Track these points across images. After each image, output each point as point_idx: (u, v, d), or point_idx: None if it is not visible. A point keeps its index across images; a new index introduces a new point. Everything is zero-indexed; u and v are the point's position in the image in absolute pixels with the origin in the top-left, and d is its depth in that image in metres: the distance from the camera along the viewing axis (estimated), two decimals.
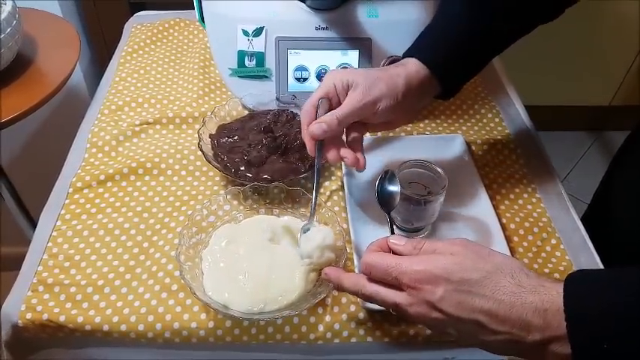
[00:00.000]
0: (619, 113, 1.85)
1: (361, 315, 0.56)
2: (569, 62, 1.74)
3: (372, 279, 0.47)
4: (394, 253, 0.48)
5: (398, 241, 0.48)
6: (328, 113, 0.57)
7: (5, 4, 0.82)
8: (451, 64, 0.59)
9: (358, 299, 0.56)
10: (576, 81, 1.79)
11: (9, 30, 0.79)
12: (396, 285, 0.45)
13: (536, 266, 0.61)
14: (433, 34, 0.61)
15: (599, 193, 0.81)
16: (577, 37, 1.67)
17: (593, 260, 0.62)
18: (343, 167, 0.70)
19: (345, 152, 0.59)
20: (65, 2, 1.12)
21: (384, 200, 0.58)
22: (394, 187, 0.58)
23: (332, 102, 0.59)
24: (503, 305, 0.41)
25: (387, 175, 0.59)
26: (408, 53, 0.60)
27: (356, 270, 0.58)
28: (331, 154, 0.59)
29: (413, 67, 0.58)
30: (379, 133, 0.76)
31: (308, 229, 0.58)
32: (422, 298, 0.43)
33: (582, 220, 0.67)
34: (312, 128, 0.57)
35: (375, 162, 0.71)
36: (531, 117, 0.81)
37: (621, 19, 1.61)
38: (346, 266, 0.59)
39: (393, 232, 0.53)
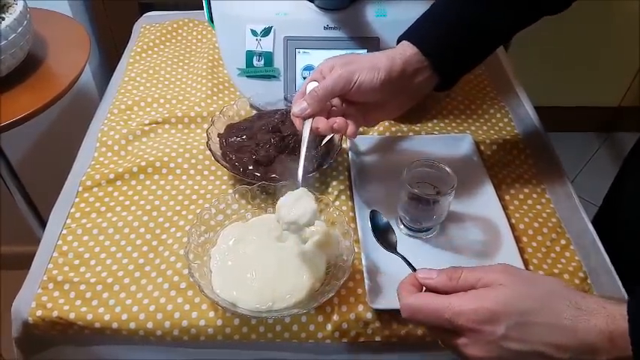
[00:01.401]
0: (628, 114, 1.84)
1: (369, 315, 0.56)
2: (578, 63, 1.73)
3: (419, 322, 0.45)
4: (428, 289, 0.45)
5: (428, 274, 0.45)
6: (309, 92, 0.58)
7: (16, 4, 0.82)
8: (445, 48, 0.58)
9: (366, 298, 0.56)
10: (585, 82, 1.78)
11: (20, 30, 0.80)
12: (448, 327, 0.42)
13: (545, 267, 0.61)
14: (427, 18, 0.60)
15: (610, 195, 0.80)
16: (586, 38, 1.66)
17: (603, 261, 0.62)
18: (351, 167, 0.70)
19: (334, 118, 0.58)
20: (75, 2, 1.13)
21: (386, 243, 0.57)
22: (383, 223, 0.58)
23: None
24: (567, 332, 0.39)
25: (373, 217, 0.59)
26: (400, 38, 0.60)
27: (364, 270, 0.58)
28: (320, 123, 0.58)
29: (400, 47, 0.58)
30: (387, 133, 0.75)
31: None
32: (482, 339, 0.41)
33: (593, 221, 0.66)
34: (294, 109, 0.58)
35: (384, 162, 0.71)
36: (540, 118, 0.81)
37: (630, 20, 1.59)
38: (354, 266, 0.58)
39: (413, 269, 0.50)
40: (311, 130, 0.58)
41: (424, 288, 0.45)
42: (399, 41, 0.60)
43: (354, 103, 0.59)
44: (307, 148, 0.58)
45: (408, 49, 0.58)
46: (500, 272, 0.43)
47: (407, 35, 0.59)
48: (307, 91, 0.58)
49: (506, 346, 0.40)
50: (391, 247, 0.56)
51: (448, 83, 0.61)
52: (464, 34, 0.58)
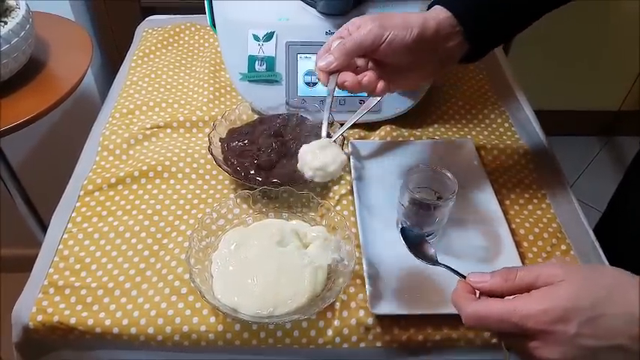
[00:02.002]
0: (629, 118, 1.84)
1: (370, 320, 0.56)
2: (578, 67, 1.73)
3: (486, 330, 0.43)
4: (483, 293, 0.44)
5: (481, 278, 0.44)
6: (336, 45, 0.55)
7: (19, 7, 0.83)
8: (479, 15, 0.56)
9: (367, 304, 0.56)
10: (586, 86, 1.78)
11: (22, 33, 0.80)
12: (517, 331, 0.40)
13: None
14: None
15: (613, 204, 0.80)
16: (586, 42, 1.66)
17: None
18: (352, 172, 0.70)
19: (363, 73, 0.55)
20: (77, 6, 1.13)
21: (425, 256, 0.53)
22: (416, 236, 0.54)
23: None
24: None
25: (404, 233, 0.54)
26: (432, 3, 0.58)
27: (365, 275, 0.58)
28: (347, 76, 0.55)
29: (433, 11, 0.56)
30: (388, 138, 0.76)
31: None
32: (554, 340, 0.39)
33: (595, 228, 0.66)
34: (319, 62, 0.55)
35: (385, 166, 0.72)
36: (540, 122, 0.81)
37: (630, 24, 1.60)
38: (355, 271, 0.58)
39: (462, 276, 0.47)
40: (336, 85, 0.56)
41: (478, 293, 0.44)
42: (430, 6, 0.57)
43: (379, 64, 0.56)
44: (332, 103, 0.56)
45: (440, 12, 0.55)
46: (558, 267, 0.41)
47: (439, 0, 0.57)
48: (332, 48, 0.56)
49: (581, 345, 0.38)
50: (431, 259, 0.53)
51: (478, 54, 0.59)
52: (498, 4, 0.56)
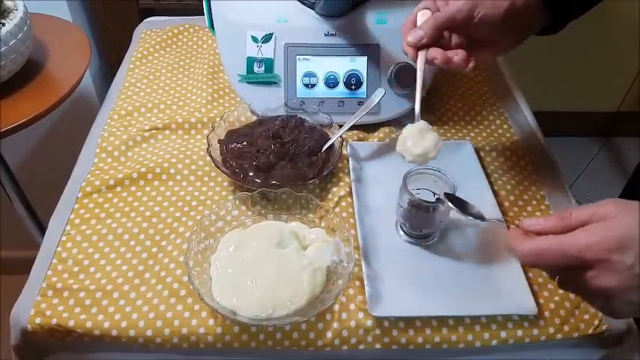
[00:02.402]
0: (627, 119, 1.85)
1: (369, 322, 0.56)
2: (576, 68, 1.73)
3: (542, 266, 0.44)
4: (537, 234, 0.44)
5: (535, 222, 0.44)
6: (427, 19, 0.55)
7: (17, 9, 0.82)
8: None
9: (366, 306, 0.56)
10: (584, 87, 1.78)
11: (20, 35, 0.80)
12: (575, 263, 0.41)
13: (544, 273, 0.60)
14: None
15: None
16: (584, 43, 1.66)
17: None
18: (351, 173, 0.70)
19: (454, 52, 0.55)
20: (75, 8, 1.13)
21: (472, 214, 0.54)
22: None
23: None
24: None
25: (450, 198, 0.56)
26: None
27: (365, 277, 0.58)
28: (437, 53, 0.55)
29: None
30: (387, 139, 0.76)
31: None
32: (612, 268, 0.39)
33: None
34: (409, 37, 0.55)
35: (384, 168, 0.72)
36: (539, 123, 0.81)
37: (628, 25, 1.60)
38: (354, 273, 0.58)
39: (482, 218, 0.48)
40: (425, 61, 0.56)
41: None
42: None
43: (463, 38, 0.56)
44: (422, 80, 0.56)
45: None
46: (612, 204, 0.42)
47: None
48: (419, 20, 0.56)
49: (638, 274, 0.39)
50: (479, 216, 0.54)
51: (556, 25, 0.58)
52: None
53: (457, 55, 0.55)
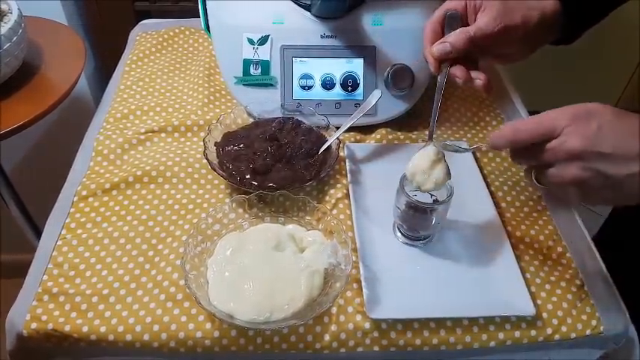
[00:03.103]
0: None
1: (367, 324, 0.55)
2: (573, 68, 1.73)
3: (520, 141, 0.47)
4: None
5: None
6: (457, 31, 0.53)
7: (11, 12, 0.82)
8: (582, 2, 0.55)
9: (364, 308, 0.56)
10: (580, 87, 1.79)
11: (15, 38, 0.79)
12: (548, 134, 0.45)
13: (542, 274, 0.61)
14: None
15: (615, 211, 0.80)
16: (581, 43, 1.67)
17: (599, 269, 0.62)
18: (348, 175, 0.69)
19: (477, 74, 0.55)
20: (70, 10, 1.13)
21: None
22: None
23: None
24: None
25: None
26: None
27: (362, 279, 0.58)
28: (459, 72, 0.55)
29: (548, 3, 0.55)
30: (384, 141, 0.76)
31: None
32: (579, 131, 0.43)
33: (599, 232, 0.66)
34: (434, 48, 0.54)
35: (381, 170, 0.71)
36: None
37: (624, 26, 1.61)
38: (352, 275, 0.58)
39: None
40: (446, 76, 0.55)
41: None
42: None
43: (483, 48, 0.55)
44: (441, 96, 0.55)
45: (554, 4, 0.55)
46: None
47: None
48: (447, 27, 0.54)
49: (602, 142, 0.42)
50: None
51: (571, 40, 0.59)
52: None
53: (480, 79, 0.55)
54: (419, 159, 0.56)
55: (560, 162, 0.45)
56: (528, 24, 0.54)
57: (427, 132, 0.78)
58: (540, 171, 0.48)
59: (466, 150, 0.55)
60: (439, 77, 0.55)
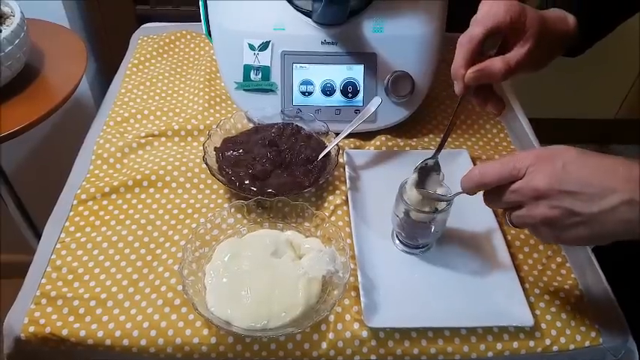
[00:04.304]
0: (624, 127, 1.85)
1: (365, 333, 0.55)
2: (573, 75, 1.73)
3: (487, 183, 0.48)
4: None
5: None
6: (497, 62, 0.51)
7: (14, 15, 0.82)
8: (593, 12, 0.55)
9: (362, 316, 0.55)
10: (581, 94, 1.79)
11: (17, 41, 0.80)
12: (514, 174, 0.46)
13: (541, 284, 0.60)
14: None
15: None
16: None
17: (598, 278, 0.62)
18: (347, 182, 0.69)
19: (493, 105, 0.56)
20: (72, 13, 1.13)
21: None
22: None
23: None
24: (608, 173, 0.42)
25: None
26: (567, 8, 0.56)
27: (360, 287, 0.58)
28: (478, 101, 0.56)
29: (572, 24, 0.55)
30: (384, 148, 0.75)
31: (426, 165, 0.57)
32: (543, 169, 0.44)
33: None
34: (472, 75, 0.52)
35: (380, 177, 0.71)
36: (536, 130, 0.81)
37: (626, 32, 1.60)
38: (350, 283, 0.58)
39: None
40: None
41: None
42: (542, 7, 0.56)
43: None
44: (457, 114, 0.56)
45: (572, 24, 0.55)
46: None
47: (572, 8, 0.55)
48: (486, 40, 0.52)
49: (567, 176, 0.43)
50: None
51: (578, 53, 0.60)
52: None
53: (493, 107, 0.56)
54: (410, 195, 0.57)
55: (527, 202, 0.46)
56: (557, 53, 0.55)
57: (426, 138, 0.78)
58: (512, 212, 0.48)
59: (448, 199, 0.56)
60: (461, 99, 0.55)
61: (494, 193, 0.48)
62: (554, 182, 0.43)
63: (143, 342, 0.55)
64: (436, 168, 0.58)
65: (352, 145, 0.76)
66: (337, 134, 0.72)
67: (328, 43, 0.74)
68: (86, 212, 0.67)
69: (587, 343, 0.56)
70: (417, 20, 0.74)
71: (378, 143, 0.76)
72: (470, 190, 0.50)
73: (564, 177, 0.43)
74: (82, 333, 0.55)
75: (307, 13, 0.74)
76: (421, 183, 0.58)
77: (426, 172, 0.58)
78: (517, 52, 0.52)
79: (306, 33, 0.74)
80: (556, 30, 0.54)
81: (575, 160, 0.44)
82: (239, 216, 0.64)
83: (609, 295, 0.60)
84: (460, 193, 0.53)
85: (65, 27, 1.04)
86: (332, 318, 0.56)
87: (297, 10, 0.75)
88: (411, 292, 0.59)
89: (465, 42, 0.52)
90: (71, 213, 0.67)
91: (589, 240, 0.46)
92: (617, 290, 0.60)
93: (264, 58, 0.75)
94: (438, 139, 0.78)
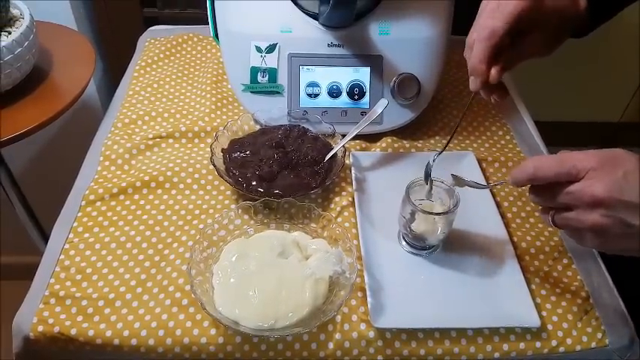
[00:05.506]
0: (629, 129, 1.85)
1: (371, 333, 0.55)
2: (578, 78, 1.73)
3: (539, 178, 0.46)
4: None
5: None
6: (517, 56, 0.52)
7: (23, 18, 0.83)
8: None
9: (369, 317, 0.56)
10: (586, 97, 1.79)
11: (26, 43, 0.80)
12: (571, 173, 0.44)
13: (547, 286, 0.60)
14: None
15: None
16: (586, 53, 1.67)
17: (604, 281, 0.62)
18: (354, 183, 0.70)
19: (499, 95, 0.55)
20: (79, 16, 1.14)
21: None
22: None
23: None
24: None
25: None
26: None
27: (367, 288, 0.58)
28: (484, 94, 0.56)
29: (583, 6, 0.54)
30: (390, 149, 0.76)
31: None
32: (605, 176, 0.42)
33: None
34: (496, 74, 0.52)
35: (386, 178, 0.72)
36: (541, 133, 0.81)
37: (630, 35, 1.61)
38: (356, 283, 0.58)
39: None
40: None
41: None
42: None
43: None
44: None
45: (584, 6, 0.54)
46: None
47: None
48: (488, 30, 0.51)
49: (629, 187, 0.41)
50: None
51: (586, 32, 0.58)
52: None
53: (498, 96, 0.55)
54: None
55: (581, 207, 0.44)
56: (563, 38, 0.54)
57: (432, 140, 0.79)
58: (558, 212, 0.46)
59: (485, 187, 0.55)
60: (472, 99, 0.55)
61: (545, 190, 0.46)
62: (614, 191, 0.42)
63: (151, 342, 0.55)
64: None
65: (358, 147, 0.77)
66: (343, 136, 0.72)
67: (335, 45, 0.75)
68: (94, 213, 0.67)
69: (593, 345, 0.56)
70: (424, 23, 0.75)
71: (384, 145, 0.76)
72: (519, 183, 0.48)
73: (625, 186, 0.42)
74: (91, 332, 0.55)
75: (314, 16, 0.75)
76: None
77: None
78: (531, 43, 0.52)
79: (312, 35, 0.75)
80: (568, 15, 0.53)
81: (636, 168, 0.42)
82: (246, 217, 0.64)
83: (615, 297, 0.60)
84: (501, 183, 0.52)
85: (73, 29, 1.05)
86: (339, 318, 0.56)
87: (304, 12, 0.75)
88: (418, 293, 0.59)
89: (486, 37, 0.51)
90: (79, 214, 0.67)
91: (633, 252, 0.44)
92: (623, 291, 0.60)
93: (271, 61, 0.75)
94: (445, 141, 0.78)
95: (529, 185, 0.48)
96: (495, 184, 0.53)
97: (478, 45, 0.52)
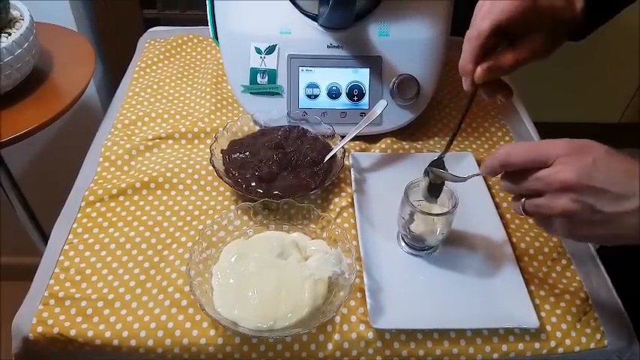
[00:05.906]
0: (629, 130, 1.85)
1: (371, 334, 0.55)
2: (578, 79, 1.74)
3: (512, 164, 0.46)
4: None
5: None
6: (508, 59, 0.51)
7: (23, 19, 0.83)
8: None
9: (368, 318, 0.56)
10: (586, 98, 1.79)
11: (26, 45, 0.80)
12: (542, 160, 0.45)
13: (546, 287, 0.61)
14: None
15: None
16: (586, 54, 1.67)
17: (604, 280, 0.62)
18: (353, 184, 0.70)
19: (503, 95, 0.55)
20: (80, 17, 1.14)
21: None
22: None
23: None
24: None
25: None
26: None
27: (366, 289, 0.58)
28: (485, 93, 0.55)
29: (579, 9, 0.53)
30: (389, 150, 0.76)
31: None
32: (573, 162, 0.43)
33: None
34: (481, 73, 0.51)
35: (386, 179, 0.72)
36: (540, 134, 0.81)
37: (630, 35, 1.61)
38: (355, 284, 0.58)
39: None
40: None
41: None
42: None
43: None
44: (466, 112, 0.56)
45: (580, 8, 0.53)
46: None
47: None
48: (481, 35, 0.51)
49: (597, 176, 0.42)
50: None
51: (583, 36, 0.57)
52: None
53: (503, 96, 0.55)
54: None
55: (550, 192, 0.44)
56: (559, 43, 0.54)
57: (431, 141, 0.79)
58: (528, 199, 0.47)
59: (462, 179, 0.55)
60: (469, 97, 0.55)
61: (516, 176, 0.47)
62: (583, 176, 0.42)
63: (150, 342, 0.55)
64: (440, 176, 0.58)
65: (358, 148, 0.77)
66: (343, 137, 0.72)
67: (334, 46, 0.75)
68: (94, 214, 0.67)
69: (592, 345, 0.56)
70: (423, 24, 0.75)
71: (383, 146, 0.77)
72: (492, 169, 0.48)
73: (594, 172, 0.42)
74: (90, 333, 0.55)
75: (313, 17, 0.75)
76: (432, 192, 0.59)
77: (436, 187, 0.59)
78: (528, 45, 0.52)
79: (312, 37, 0.75)
80: (564, 17, 0.53)
81: (605, 157, 0.43)
82: (245, 217, 0.64)
83: (614, 297, 0.60)
84: (476, 175, 0.52)
85: (73, 30, 1.05)
86: (338, 319, 0.57)
87: (304, 14, 0.75)
88: (417, 294, 0.59)
89: (473, 37, 0.51)
90: (79, 215, 0.67)
91: (601, 239, 0.45)
92: (622, 292, 0.61)
93: (270, 62, 0.75)
94: (444, 142, 0.79)
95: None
96: (472, 176, 0.53)
97: (465, 45, 0.52)
